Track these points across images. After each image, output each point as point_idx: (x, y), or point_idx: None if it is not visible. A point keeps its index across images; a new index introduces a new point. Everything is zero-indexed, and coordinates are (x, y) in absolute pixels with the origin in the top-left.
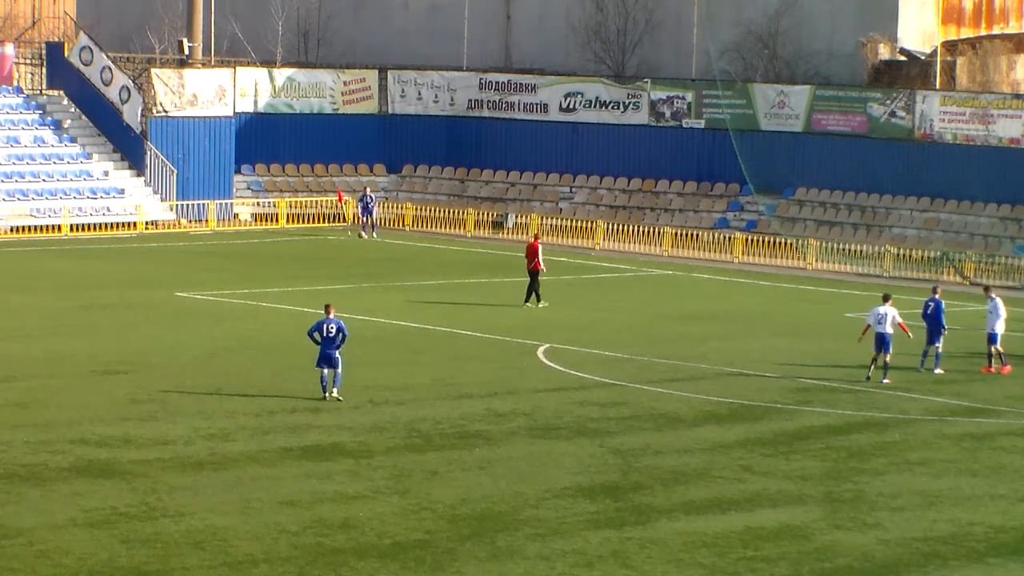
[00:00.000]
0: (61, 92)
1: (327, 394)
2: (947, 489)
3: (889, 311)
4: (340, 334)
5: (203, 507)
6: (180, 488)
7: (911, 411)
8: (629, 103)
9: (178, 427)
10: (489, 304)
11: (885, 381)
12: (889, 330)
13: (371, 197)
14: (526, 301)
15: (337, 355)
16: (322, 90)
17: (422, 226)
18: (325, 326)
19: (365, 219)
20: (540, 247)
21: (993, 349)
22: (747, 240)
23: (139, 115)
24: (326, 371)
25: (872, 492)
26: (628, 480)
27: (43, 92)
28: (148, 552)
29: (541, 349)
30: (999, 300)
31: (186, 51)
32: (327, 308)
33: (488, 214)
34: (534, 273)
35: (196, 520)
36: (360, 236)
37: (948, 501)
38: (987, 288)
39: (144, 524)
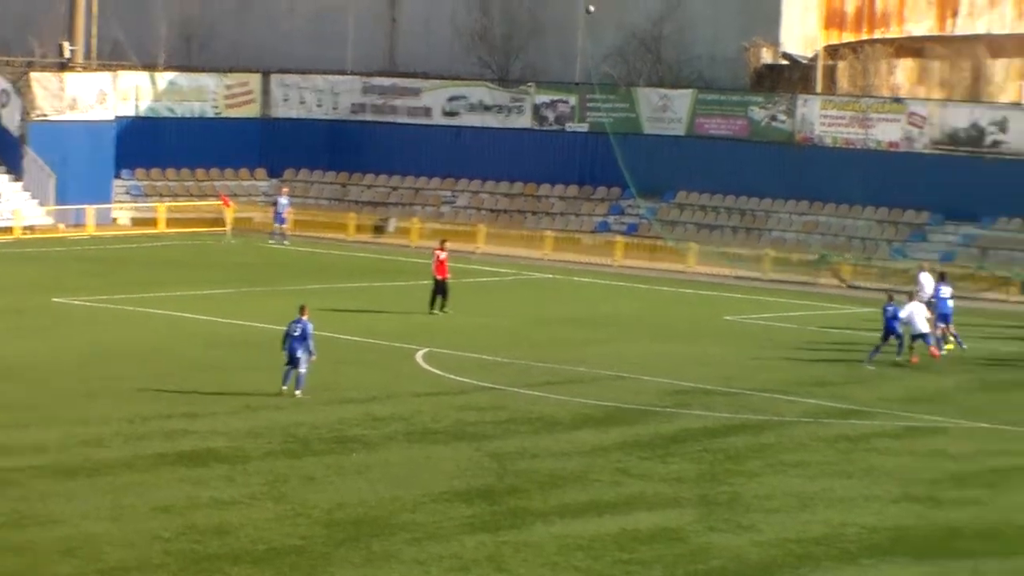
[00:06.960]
0: None
1: (285, 387)
2: (821, 490)
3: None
4: (304, 335)
5: (75, 514)
6: (52, 495)
7: (787, 413)
8: (512, 107)
9: (52, 433)
10: (369, 309)
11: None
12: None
13: (284, 202)
14: (432, 308)
15: (300, 355)
16: (204, 94)
17: (303, 230)
18: (294, 325)
19: (277, 224)
20: (442, 255)
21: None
22: (628, 244)
23: (18, 119)
24: (290, 369)
25: (747, 494)
26: (504, 484)
27: None
28: (18, 560)
29: (420, 353)
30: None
31: (67, 54)
32: (301, 309)
33: (370, 218)
34: (440, 280)
35: (68, 527)
36: (283, 244)
37: (822, 502)
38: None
39: (14, 532)
